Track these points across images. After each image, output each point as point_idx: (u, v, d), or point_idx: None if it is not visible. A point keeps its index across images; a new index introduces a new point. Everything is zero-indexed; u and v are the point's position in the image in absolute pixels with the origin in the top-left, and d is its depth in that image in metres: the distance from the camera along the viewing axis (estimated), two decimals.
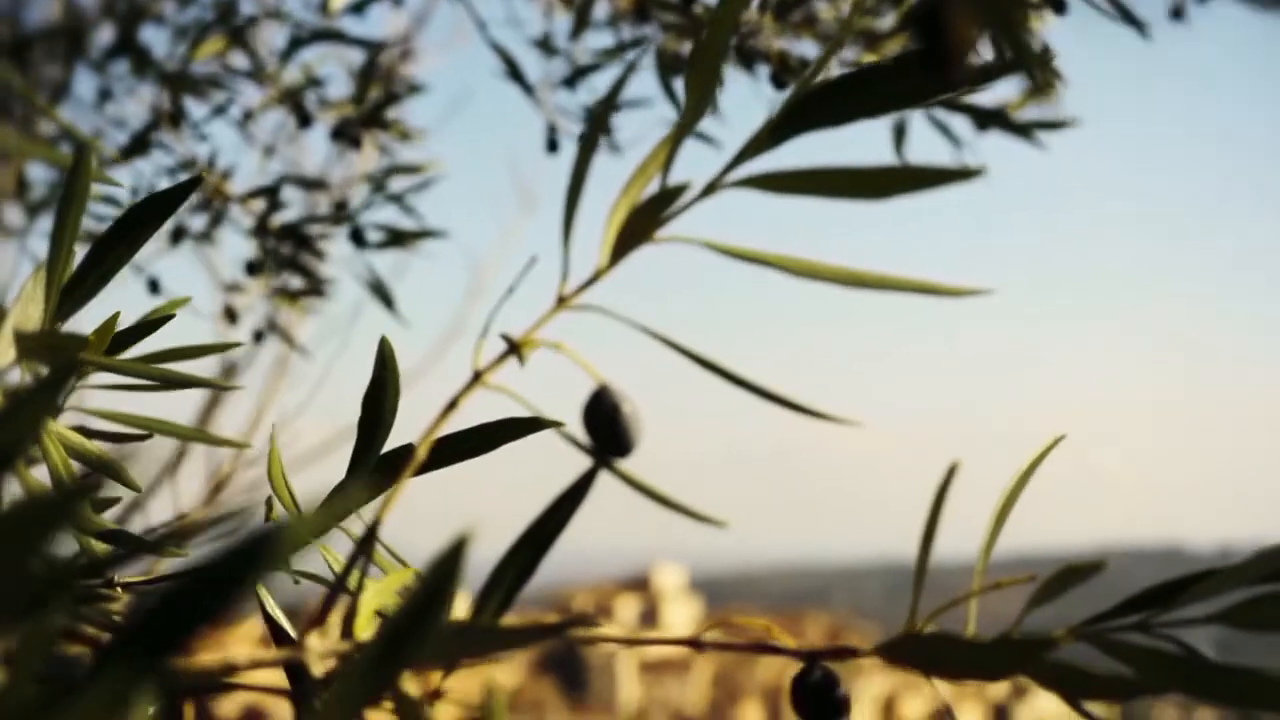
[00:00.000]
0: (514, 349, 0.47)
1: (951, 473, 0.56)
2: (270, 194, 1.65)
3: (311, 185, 1.73)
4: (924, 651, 0.49)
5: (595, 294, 0.50)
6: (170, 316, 0.87)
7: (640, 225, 0.48)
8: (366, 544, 0.47)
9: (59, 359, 0.59)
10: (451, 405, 0.48)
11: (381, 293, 1.62)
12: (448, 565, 0.35)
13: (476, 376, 0.49)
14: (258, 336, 1.75)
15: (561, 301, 0.49)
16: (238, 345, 0.79)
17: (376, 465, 0.59)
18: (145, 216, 0.63)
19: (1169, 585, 0.50)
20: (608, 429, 0.47)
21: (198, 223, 1.76)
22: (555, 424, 0.53)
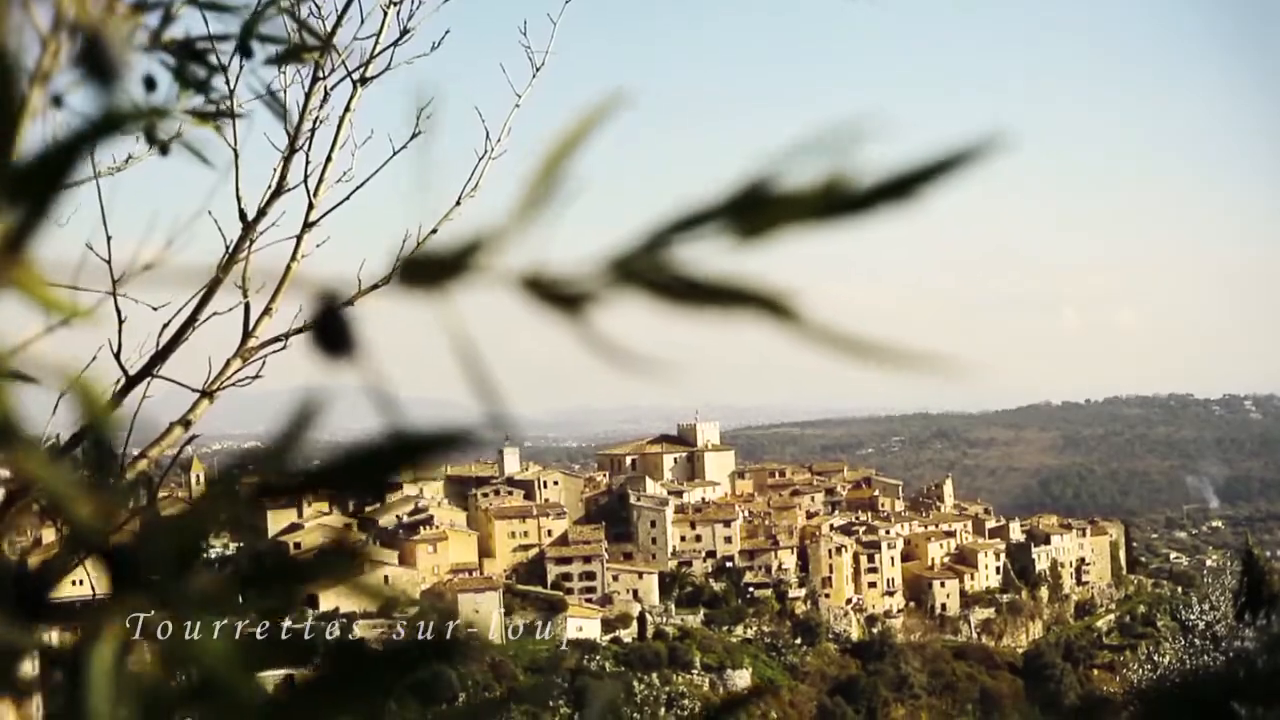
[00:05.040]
0: None
1: (593, 118, 0.54)
2: (163, 8, 1.62)
3: (212, 7, 1.70)
4: (420, 271, 0.47)
5: None
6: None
7: None
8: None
9: None
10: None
11: (275, 104, 1.59)
12: None
13: None
14: (163, 149, 1.74)
15: None
16: None
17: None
18: None
19: (683, 219, 0.48)
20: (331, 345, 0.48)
21: None
22: None
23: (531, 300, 0.47)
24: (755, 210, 0.44)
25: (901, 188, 0.42)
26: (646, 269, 0.46)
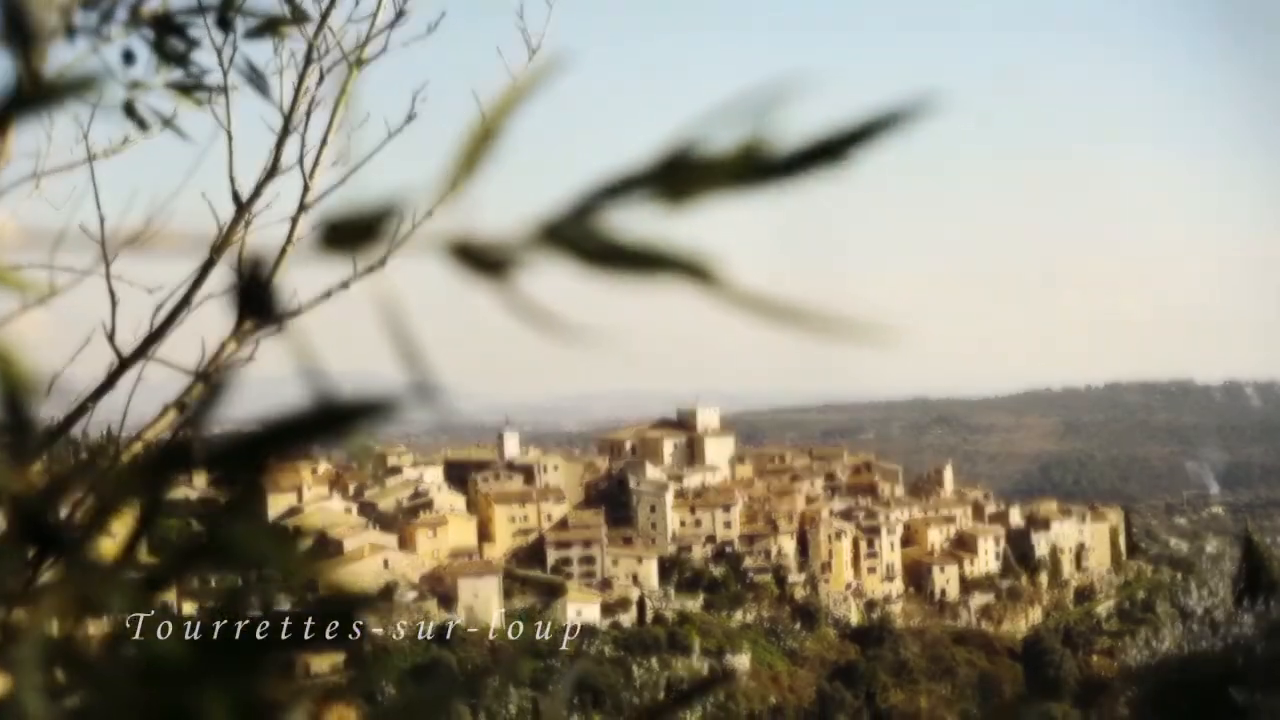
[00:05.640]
0: None
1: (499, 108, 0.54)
2: None
3: None
4: (341, 234, 0.47)
5: None
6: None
7: None
8: None
9: None
10: None
11: (258, 79, 1.58)
12: None
13: None
14: (141, 125, 1.73)
15: None
16: None
17: None
18: None
19: (610, 186, 0.48)
20: (254, 303, 0.48)
21: (90, 20, 1.72)
22: None
23: (458, 265, 0.46)
24: (679, 176, 0.44)
25: (826, 151, 0.42)
26: (573, 234, 0.46)
